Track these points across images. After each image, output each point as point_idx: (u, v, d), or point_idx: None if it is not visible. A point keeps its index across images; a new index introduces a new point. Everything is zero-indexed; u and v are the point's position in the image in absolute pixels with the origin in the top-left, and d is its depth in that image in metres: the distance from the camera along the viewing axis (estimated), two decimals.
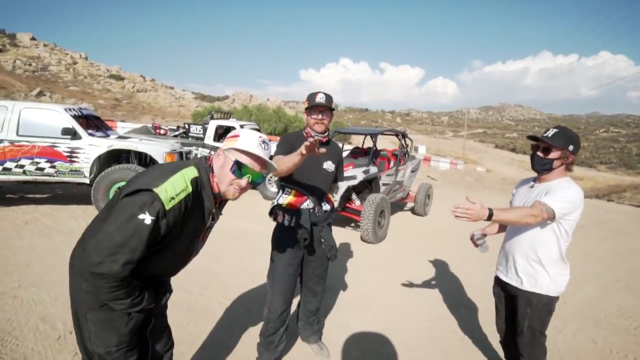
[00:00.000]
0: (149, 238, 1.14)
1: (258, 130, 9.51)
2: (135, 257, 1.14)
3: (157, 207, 1.13)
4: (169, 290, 1.55)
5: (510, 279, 1.96)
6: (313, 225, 2.18)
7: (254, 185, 1.34)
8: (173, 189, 1.17)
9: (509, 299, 2.02)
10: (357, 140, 20.66)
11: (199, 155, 8.36)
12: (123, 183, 5.21)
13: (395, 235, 5.85)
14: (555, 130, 1.80)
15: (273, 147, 1.79)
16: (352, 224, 6.19)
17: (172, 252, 1.31)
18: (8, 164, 5.36)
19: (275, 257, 2.20)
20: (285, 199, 2.16)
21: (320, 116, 2.10)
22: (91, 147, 5.43)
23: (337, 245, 5.15)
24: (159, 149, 5.81)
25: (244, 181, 1.30)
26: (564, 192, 1.73)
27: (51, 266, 3.60)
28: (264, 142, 1.31)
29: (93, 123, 6.31)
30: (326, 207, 2.25)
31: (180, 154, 6.37)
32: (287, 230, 2.15)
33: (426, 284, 3.96)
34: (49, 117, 5.50)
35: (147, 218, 1.12)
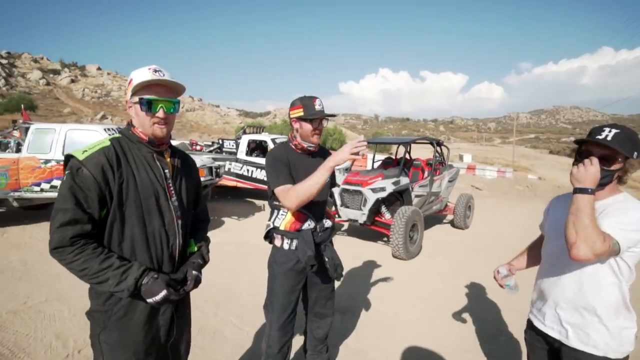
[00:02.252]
0: (74, 192, 1.16)
1: None
2: (68, 217, 1.14)
3: (71, 164, 1.21)
4: (191, 280, 1.35)
5: (549, 328, 1.45)
6: (316, 246, 1.94)
7: (174, 111, 1.34)
8: (87, 147, 1.25)
9: (550, 353, 1.49)
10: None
11: (231, 170, 8.56)
12: None
13: (430, 251, 5.41)
14: (615, 130, 1.30)
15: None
16: (384, 239, 5.84)
17: (138, 210, 1.27)
18: (55, 182, 5.77)
19: (274, 284, 1.97)
20: (283, 220, 1.93)
21: (320, 126, 1.89)
22: None
23: (365, 260, 4.80)
24: None
25: (160, 113, 1.30)
26: (627, 216, 1.25)
27: (77, 280, 3.70)
28: (155, 70, 1.29)
29: None
30: (327, 223, 2.01)
31: (210, 168, 6.48)
32: (287, 255, 1.92)
33: (462, 308, 3.53)
34: (91, 137, 5.85)
35: (65, 176, 1.20)
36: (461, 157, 34.54)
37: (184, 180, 1.43)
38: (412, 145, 6.56)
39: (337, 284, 2.24)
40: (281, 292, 1.93)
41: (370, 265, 4.65)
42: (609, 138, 1.29)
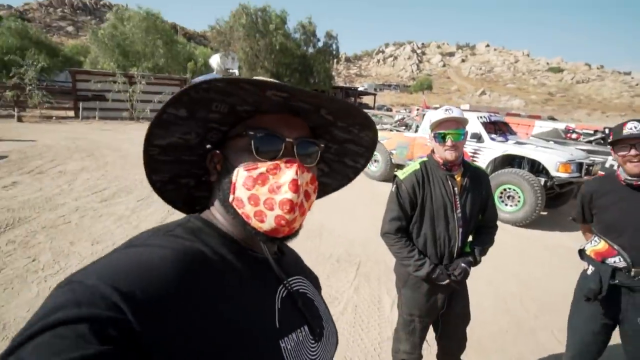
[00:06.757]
0: (397, 199, 1.80)
1: None
2: (394, 215, 1.81)
3: (396, 181, 1.86)
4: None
5: None
6: (628, 290, 1.70)
7: (461, 139, 1.71)
8: (406, 169, 1.87)
9: None
10: None
11: (607, 165, 6.83)
12: (508, 186, 5.61)
13: None
14: None
15: None
16: None
17: (430, 217, 1.78)
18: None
19: (574, 304, 1.99)
20: (593, 246, 1.87)
21: (634, 152, 1.62)
22: (489, 150, 6.20)
23: None
24: (553, 158, 5.55)
25: (448, 142, 1.70)
26: None
27: None
28: (446, 109, 1.73)
29: (498, 128, 7.02)
30: None
31: (580, 165, 5.60)
32: (585, 280, 1.88)
33: None
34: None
35: (393, 188, 1.86)
36: None
37: (470, 195, 1.81)
38: None
39: None
40: (576, 314, 1.94)
41: None
42: None
